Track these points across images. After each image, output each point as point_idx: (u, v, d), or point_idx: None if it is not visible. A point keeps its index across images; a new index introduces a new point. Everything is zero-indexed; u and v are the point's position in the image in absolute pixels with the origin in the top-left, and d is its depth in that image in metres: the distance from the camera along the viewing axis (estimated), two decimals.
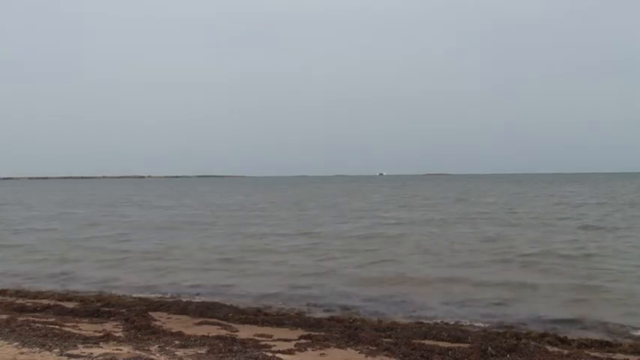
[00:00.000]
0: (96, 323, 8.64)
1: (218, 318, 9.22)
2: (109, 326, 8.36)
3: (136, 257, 16.89)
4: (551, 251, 16.66)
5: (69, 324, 8.41)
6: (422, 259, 15.88)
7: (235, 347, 6.96)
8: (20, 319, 8.63)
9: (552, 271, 13.61)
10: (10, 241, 21.25)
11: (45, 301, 10.50)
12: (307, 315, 9.70)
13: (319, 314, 9.84)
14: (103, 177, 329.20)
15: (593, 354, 7.24)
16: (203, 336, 7.64)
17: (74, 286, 12.62)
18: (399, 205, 42.00)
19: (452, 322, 9.23)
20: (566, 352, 7.17)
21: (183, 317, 9.42)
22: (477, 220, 27.26)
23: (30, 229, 25.99)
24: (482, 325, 9.08)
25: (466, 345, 7.36)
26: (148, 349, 6.78)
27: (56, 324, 8.28)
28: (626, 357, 7.30)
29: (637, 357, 7.32)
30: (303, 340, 7.51)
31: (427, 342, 7.52)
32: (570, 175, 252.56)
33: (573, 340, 7.95)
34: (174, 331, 8.06)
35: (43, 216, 34.78)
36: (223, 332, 8.10)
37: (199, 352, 6.75)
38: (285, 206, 42.44)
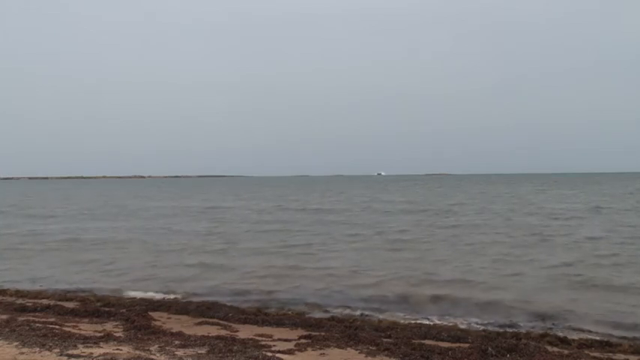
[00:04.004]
0: (96, 323, 8.64)
1: (218, 318, 9.22)
2: (109, 326, 8.36)
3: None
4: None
5: (69, 324, 8.41)
6: (416, 259, 15.89)
7: (235, 347, 6.96)
8: (20, 319, 8.62)
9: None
10: None
11: (45, 301, 10.50)
12: (307, 315, 9.71)
13: (319, 314, 9.85)
14: (104, 177, 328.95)
15: (593, 354, 7.25)
16: (203, 336, 7.64)
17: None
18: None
19: (452, 322, 9.25)
20: (566, 352, 7.18)
21: (183, 317, 9.42)
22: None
23: None
24: (482, 325, 9.10)
25: (466, 345, 7.37)
26: (148, 349, 6.78)
27: (56, 324, 8.27)
28: (626, 357, 7.31)
29: (637, 357, 7.33)
30: (303, 340, 7.51)
31: (427, 342, 7.53)
32: (571, 175, 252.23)
33: (573, 340, 7.96)
34: (174, 331, 8.06)
35: None
36: (223, 332, 8.10)
37: (199, 352, 6.75)
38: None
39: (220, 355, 6.60)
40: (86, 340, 7.17)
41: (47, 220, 31.58)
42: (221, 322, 8.97)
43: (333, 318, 9.41)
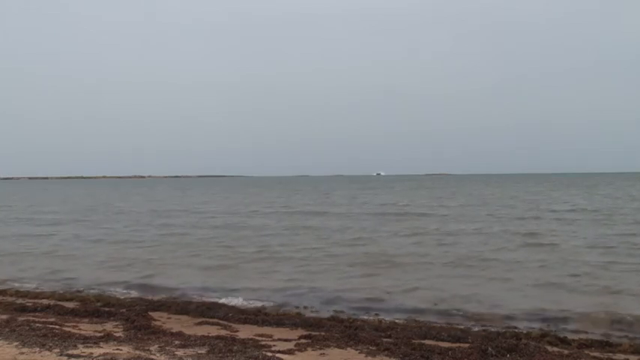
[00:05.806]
0: (96, 323, 8.64)
1: (218, 318, 9.23)
2: (109, 326, 8.36)
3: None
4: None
5: (69, 324, 8.42)
6: (413, 262, 15.90)
7: (235, 347, 6.96)
8: (20, 319, 8.63)
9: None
10: None
11: (45, 301, 10.51)
12: (307, 315, 9.71)
13: (319, 314, 9.85)
14: (104, 177, 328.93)
15: (593, 354, 7.25)
16: (203, 336, 7.64)
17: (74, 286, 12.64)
18: None
19: (452, 322, 9.25)
20: (566, 352, 7.18)
21: (183, 317, 9.43)
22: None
23: None
24: (482, 325, 9.10)
25: (466, 345, 7.37)
26: (148, 349, 6.78)
27: (56, 324, 8.28)
28: (626, 357, 7.31)
29: (637, 357, 7.34)
30: (303, 340, 7.51)
31: (427, 342, 7.53)
32: (571, 175, 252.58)
33: (573, 340, 7.96)
34: (174, 331, 8.06)
35: None
36: (223, 332, 8.10)
37: (199, 352, 6.75)
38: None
39: (220, 355, 6.60)
40: (86, 340, 7.18)
41: None
42: (221, 322, 8.97)
43: (333, 318, 9.41)
